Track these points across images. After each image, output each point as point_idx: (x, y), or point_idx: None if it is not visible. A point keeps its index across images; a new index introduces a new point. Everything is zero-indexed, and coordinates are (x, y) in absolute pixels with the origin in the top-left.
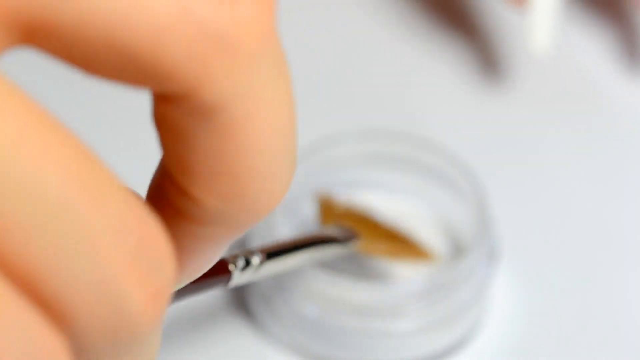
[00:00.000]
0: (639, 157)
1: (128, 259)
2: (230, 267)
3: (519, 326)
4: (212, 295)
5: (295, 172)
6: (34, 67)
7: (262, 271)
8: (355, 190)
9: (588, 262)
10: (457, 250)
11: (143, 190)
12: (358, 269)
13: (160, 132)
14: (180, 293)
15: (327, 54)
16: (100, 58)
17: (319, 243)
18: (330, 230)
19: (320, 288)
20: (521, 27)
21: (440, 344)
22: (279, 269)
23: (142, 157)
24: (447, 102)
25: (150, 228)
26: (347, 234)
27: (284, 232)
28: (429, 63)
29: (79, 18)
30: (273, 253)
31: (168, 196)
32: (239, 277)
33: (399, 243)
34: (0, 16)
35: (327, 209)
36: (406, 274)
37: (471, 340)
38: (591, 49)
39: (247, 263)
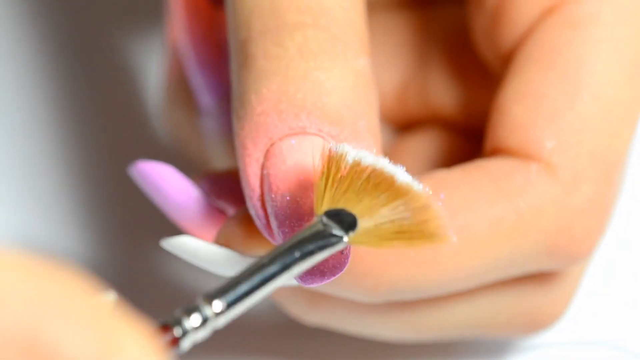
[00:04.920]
0: None
1: None
2: (176, 332)
3: None
4: None
5: None
6: None
7: (223, 318)
8: None
9: None
10: None
11: None
12: None
13: None
14: None
15: None
16: None
17: (295, 255)
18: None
19: None
20: None
21: None
22: (242, 308)
23: None
24: None
25: None
26: (343, 222)
27: None
28: None
29: None
30: (226, 293)
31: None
32: (191, 337)
33: (408, 230)
34: None
35: (332, 168)
36: None
37: None
38: None
39: (204, 318)
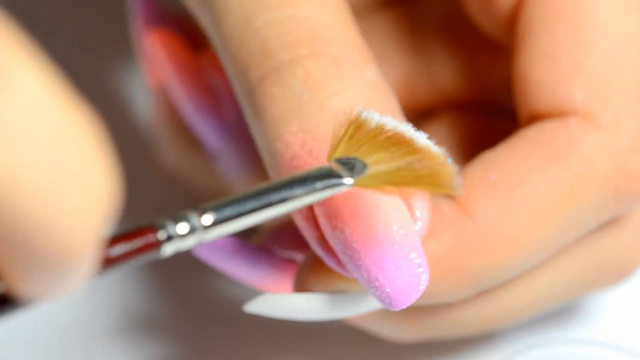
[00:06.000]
0: None
1: None
2: (160, 234)
3: None
4: None
5: None
6: None
7: (212, 233)
8: None
9: None
10: None
11: None
12: None
13: None
14: (109, 262)
15: None
16: None
17: (289, 187)
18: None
19: None
20: None
21: None
22: (235, 227)
23: None
24: None
25: None
26: (353, 169)
27: None
28: None
29: None
30: (219, 209)
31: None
32: (176, 244)
33: (415, 176)
34: None
35: (356, 132)
36: None
37: None
38: None
39: (191, 227)
